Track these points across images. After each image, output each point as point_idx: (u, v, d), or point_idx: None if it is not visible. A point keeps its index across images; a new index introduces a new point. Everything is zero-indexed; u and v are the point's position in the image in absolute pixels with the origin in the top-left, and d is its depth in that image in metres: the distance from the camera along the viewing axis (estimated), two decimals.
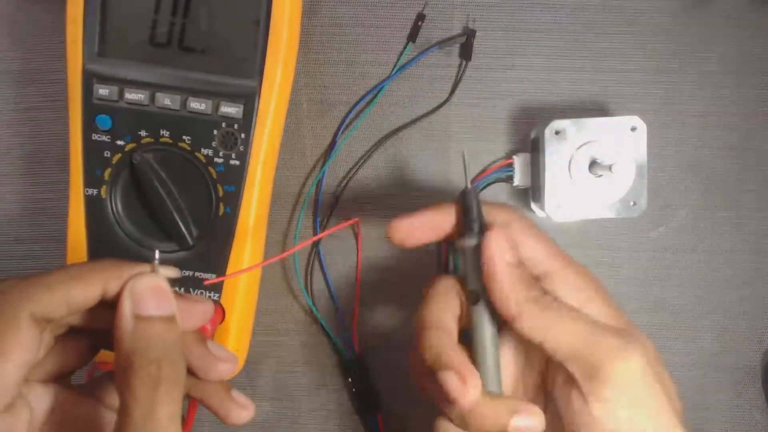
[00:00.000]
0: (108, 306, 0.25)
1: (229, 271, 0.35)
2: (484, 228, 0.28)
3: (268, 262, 0.37)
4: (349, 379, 0.39)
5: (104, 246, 0.36)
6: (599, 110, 0.39)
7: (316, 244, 0.39)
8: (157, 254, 0.26)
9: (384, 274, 0.40)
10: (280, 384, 0.40)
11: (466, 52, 0.38)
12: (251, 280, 0.37)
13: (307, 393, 0.40)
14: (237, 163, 0.35)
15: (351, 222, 0.34)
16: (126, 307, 0.25)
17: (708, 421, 0.40)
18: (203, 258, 0.35)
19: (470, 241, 0.28)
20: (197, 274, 0.36)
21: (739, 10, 0.39)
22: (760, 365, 0.39)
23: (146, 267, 0.26)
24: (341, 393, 0.40)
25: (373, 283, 0.40)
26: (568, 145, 0.36)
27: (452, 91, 0.39)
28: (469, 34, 0.38)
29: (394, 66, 0.39)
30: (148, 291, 0.25)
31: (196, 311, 0.27)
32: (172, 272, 0.27)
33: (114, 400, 0.28)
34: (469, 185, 0.29)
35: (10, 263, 0.40)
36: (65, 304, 0.25)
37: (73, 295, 0.25)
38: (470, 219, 0.28)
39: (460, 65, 0.39)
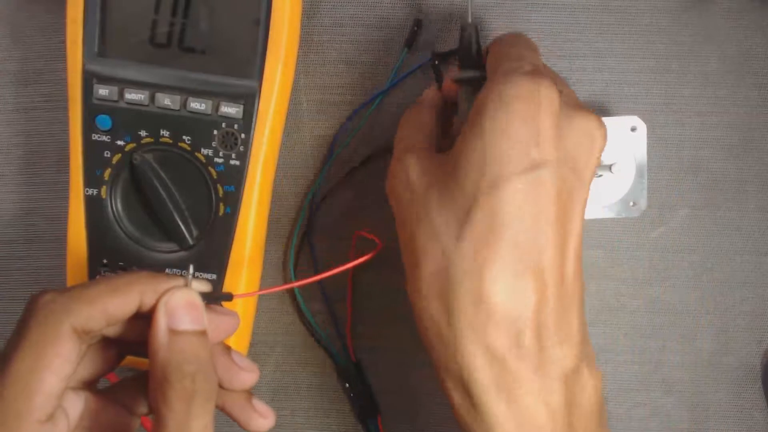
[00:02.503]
0: (140, 317, 0.26)
1: (229, 271, 0.35)
2: (476, 64, 0.32)
3: (304, 283, 0.36)
4: (347, 384, 0.39)
5: (104, 246, 0.36)
6: (599, 110, 0.39)
7: (310, 246, 0.39)
8: (191, 269, 0.27)
9: (378, 275, 0.39)
10: (278, 388, 0.40)
11: (409, 41, 0.38)
12: (251, 279, 0.37)
13: (304, 397, 0.40)
14: (237, 163, 0.35)
15: (374, 252, 0.34)
16: (161, 321, 0.25)
17: (707, 420, 0.40)
18: (203, 258, 0.35)
19: (464, 74, 0.32)
20: (197, 274, 0.36)
21: (739, 10, 0.39)
22: (760, 365, 0.39)
23: (180, 281, 0.27)
24: (339, 396, 0.40)
25: (366, 284, 0.39)
26: None
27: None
28: (416, 24, 0.38)
29: (392, 71, 0.38)
30: (182, 305, 0.26)
31: (224, 324, 0.28)
32: (205, 286, 0.27)
33: (138, 406, 0.29)
34: (469, 20, 0.32)
35: (9, 263, 0.40)
36: (104, 317, 0.25)
37: (112, 307, 0.25)
38: (465, 55, 0.32)
39: (438, 65, 0.38)
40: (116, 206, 0.36)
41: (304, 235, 0.39)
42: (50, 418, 0.25)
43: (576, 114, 0.28)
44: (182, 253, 0.35)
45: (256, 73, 0.34)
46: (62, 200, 0.36)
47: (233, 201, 0.35)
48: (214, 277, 0.36)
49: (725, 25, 0.39)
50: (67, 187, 0.36)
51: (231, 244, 0.35)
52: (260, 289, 0.37)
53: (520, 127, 0.26)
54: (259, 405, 0.29)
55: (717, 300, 0.40)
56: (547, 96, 0.27)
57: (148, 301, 0.26)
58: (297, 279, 0.39)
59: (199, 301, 0.26)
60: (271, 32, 0.34)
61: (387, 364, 0.40)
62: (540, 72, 0.28)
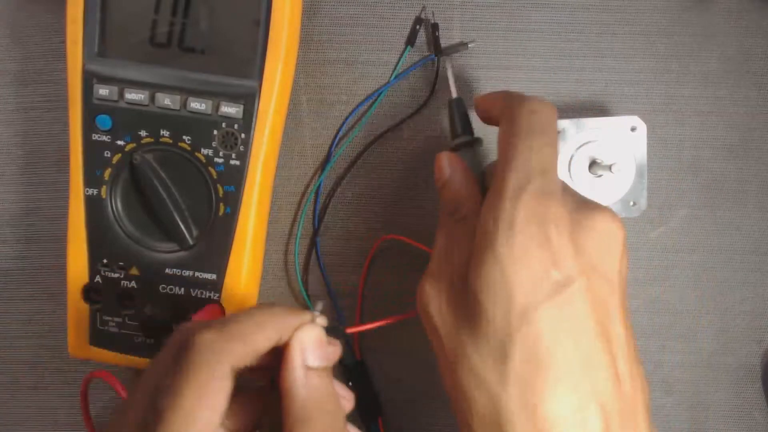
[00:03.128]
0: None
1: (229, 271, 0.35)
2: (465, 130, 0.34)
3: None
4: (349, 383, 0.39)
5: (104, 246, 0.36)
6: (599, 110, 0.39)
7: (314, 243, 0.39)
8: (319, 305, 0.29)
9: (383, 275, 0.39)
10: None
11: (437, 48, 0.38)
12: (251, 279, 0.37)
13: None
14: (237, 163, 0.35)
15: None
16: (297, 359, 0.27)
17: (707, 420, 0.40)
18: (203, 258, 0.35)
19: (458, 141, 0.34)
20: (197, 273, 0.36)
21: (739, 10, 0.39)
22: (760, 365, 0.40)
23: (307, 316, 0.28)
24: None
25: (372, 284, 0.40)
26: (568, 145, 0.36)
27: (432, 89, 0.39)
28: (432, 27, 0.38)
29: (394, 69, 0.39)
30: (313, 342, 0.27)
31: (333, 355, 0.29)
32: (324, 321, 0.29)
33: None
34: (453, 95, 0.35)
35: (9, 263, 0.40)
36: (254, 354, 0.26)
37: (260, 345, 0.27)
38: (452, 125, 0.35)
39: (437, 64, 0.39)
40: (116, 206, 0.36)
41: (308, 235, 0.39)
42: None
43: (586, 216, 0.27)
44: (182, 253, 0.36)
45: (256, 73, 0.34)
46: (62, 200, 0.36)
47: (233, 201, 0.35)
48: (214, 277, 0.36)
49: (725, 25, 0.39)
50: (67, 187, 0.36)
51: (231, 244, 0.35)
52: (367, 323, 0.34)
53: (536, 251, 0.25)
54: (354, 430, 0.30)
55: (717, 300, 0.40)
56: (555, 214, 0.26)
57: (284, 337, 0.27)
58: (303, 279, 0.39)
59: (325, 338, 0.28)
60: (271, 32, 0.34)
61: (390, 365, 0.40)
62: (547, 189, 0.26)
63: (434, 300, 0.28)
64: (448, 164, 0.32)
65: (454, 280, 0.28)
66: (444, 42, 0.38)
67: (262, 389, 0.29)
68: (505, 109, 0.30)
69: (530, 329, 0.25)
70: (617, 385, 0.26)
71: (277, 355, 0.27)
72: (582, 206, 0.28)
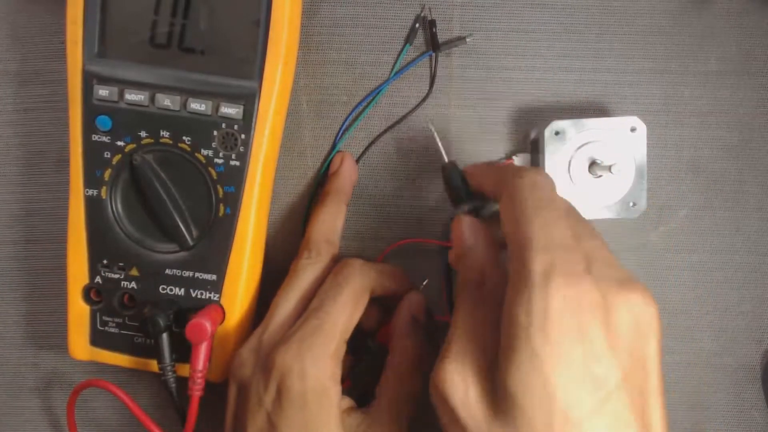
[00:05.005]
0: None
1: (229, 271, 0.35)
2: (469, 196, 0.33)
3: None
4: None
5: (104, 246, 0.36)
6: (599, 110, 0.39)
7: None
8: (425, 282, 0.38)
9: None
10: None
11: (434, 44, 0.38)
12: (251, 280, 0.37)
13: None
14: (237, 163, 0.35)
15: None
16: (406, 309, 0.35)
17: (707, 421, 0.40)
18: (203, 258, 0.35)
19: (459, 210, 0.33)
20: (197, 274, 0.36)
21: (739, 10, 0.39)
22: (759, 365, 0.40)
23: (415, 287, 0.37)
24: None
25: None
26: (567, 145, 0.36)
27: (431, 85, 0.39)
28: (429, 23, 0.38)
29: (393, 67, 0.39)
30: (420, 302, 0.35)
31: (424, 317, 0.36)
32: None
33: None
34: (445, 160, 0.34)
35: (9, 264, 0.41)
36: (383, 289, 0.35)
37: (387, 284, 0.35)
38: (455, 192, 0.33)
39: (435, 59, 0.39)
40: (116, 207, 0.36)
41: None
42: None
43: (619, 296, 0.25)
44: (182, 254, 0.36)
45: (256, 74, 0.34)
46: (62, 201, 0.36)
47: (233, 201, 0.35)
48: (214, 277, 0.36)
49: (725, 25, 0.39)
50: (67, 187, 0.36)
51: (231, 245, 0.35)
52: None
53: (574, 345, 0.24)
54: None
55: (717, 300, 0.40)
56: (589, 300, 0.25)
57: (400, 291, 0.36)
58: None
59: (425, 303, 0.36)
60: (271, 32, 0.34)
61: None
62: (575, 270, 0.25)
63: (459, 389, 0.26)
64: (470, 231, 0.30)
65: (483, 368, 0.26)
66: (444, 38, 0.38)
67: (351, 355, 0.36)
68: (502, 185, 0.29)
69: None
70: None
71: (371, 323, 0.36)
72: (615, 284, 0.26)
